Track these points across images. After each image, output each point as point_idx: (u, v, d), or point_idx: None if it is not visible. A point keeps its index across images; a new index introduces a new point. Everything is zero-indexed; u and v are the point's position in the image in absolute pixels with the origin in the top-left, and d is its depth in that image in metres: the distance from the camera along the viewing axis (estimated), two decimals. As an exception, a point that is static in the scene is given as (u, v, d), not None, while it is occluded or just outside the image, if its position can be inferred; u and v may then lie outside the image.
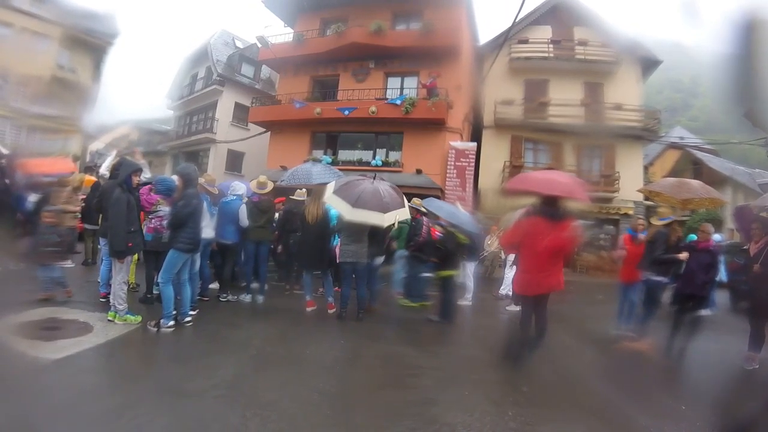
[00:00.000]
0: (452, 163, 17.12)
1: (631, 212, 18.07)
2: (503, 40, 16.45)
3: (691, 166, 26.93)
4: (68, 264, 8.89)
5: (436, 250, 7.30)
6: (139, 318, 5.53)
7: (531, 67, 19.73)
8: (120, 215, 5.30)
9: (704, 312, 6.22)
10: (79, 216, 8.22)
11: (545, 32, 19.96)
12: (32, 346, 4.38)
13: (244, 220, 7.13)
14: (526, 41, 19.86)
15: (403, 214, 6.82)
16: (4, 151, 8.32)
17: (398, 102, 17.00)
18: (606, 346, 6.46)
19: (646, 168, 24.27)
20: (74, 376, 3.86)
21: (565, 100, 18.39)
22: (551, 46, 19.64)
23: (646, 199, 14.12)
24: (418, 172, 17.03)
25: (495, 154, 19.37)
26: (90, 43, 28.11)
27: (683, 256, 6.04)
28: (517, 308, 5.79)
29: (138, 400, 3.50)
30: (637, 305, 6.70)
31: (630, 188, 17.24)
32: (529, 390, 4.39)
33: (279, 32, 21.25)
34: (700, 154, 27.23)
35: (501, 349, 5.17)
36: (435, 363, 5.21)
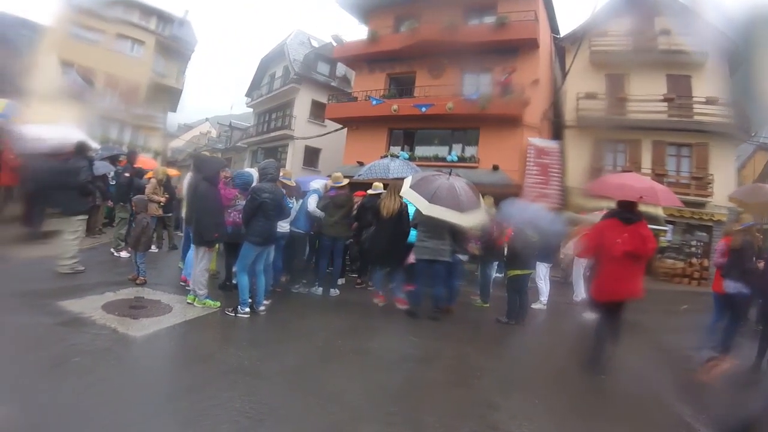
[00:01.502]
0: (532, 160, 16.57)
1: (724, 219, 16.76)
2: (583, 32, 15.72)
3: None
4: (153, 249, 9.57)
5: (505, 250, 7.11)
6: (218, 303, 5.80)
7: (612, 60, 18.47)
8: (209, 208, 5.64)
9: None
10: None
11: (625, 23, 18.58)
12: (121, 323, 4.70)
13: (312, 206, 7.25)
14: (606, 33, 18.75)
15: (480, 215, 6.65)
16: (95, 145, 9.02)
17: (474, 97, 16.71)
18: (685, 361, 5.94)
19: (739, 171, 22.38)
20: (154, 354, 4.14)
21: (647, 95, 17.34)
22: (631, 37, 18.34)
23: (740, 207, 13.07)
24: (495, 168, 16.66)
25: (579, 153, 18.49)
26: (175, 50, 30.01)
27: (761, 265, 5.52)
28: (593, 315, 5.48)
29: (211, 378, 3.67)
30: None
31: (723, 193, 16.08)
32: (597, 403, 4.15)
33: (353, 30, 21.59)
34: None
35: (571, 358, 4.93)
36: (501, 366, 5.10)
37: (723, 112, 16.91)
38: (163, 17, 29.92)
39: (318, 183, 7.63)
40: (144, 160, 11.62)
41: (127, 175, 9.08)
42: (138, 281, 6.45)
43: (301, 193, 7.56)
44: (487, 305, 7.93)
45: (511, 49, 17.02)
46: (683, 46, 17.12)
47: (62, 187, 6.95)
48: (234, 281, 6.64)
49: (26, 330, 4.20)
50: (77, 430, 2.73)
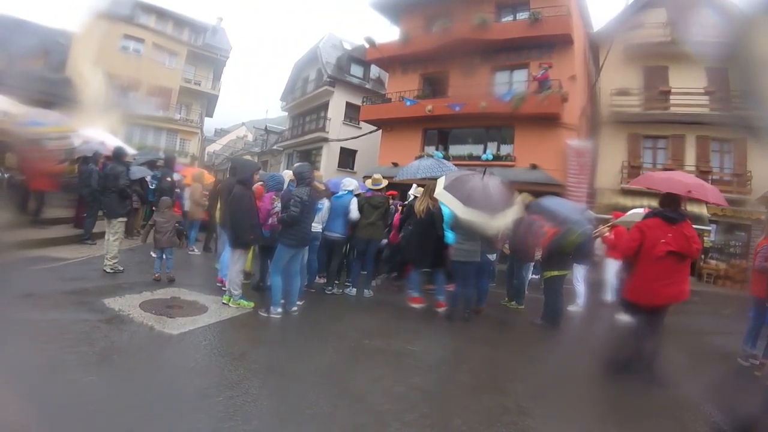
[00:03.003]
0: (573, 159, 16.26)
1: (763, 218, 16.07)
2: (617, 25, 15.27)
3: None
4: (196, 252, 9.79)
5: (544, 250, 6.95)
6: (252, 304, 5.91)
7: (648, 53, 17.96)
8: (244, 210, 5.74)
9: None
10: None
11: (660, 15, 18.06)
12: (158, 321, 4.86)
13: (355, 212, 7.22)
14: (641, 26, 18.18)
15: (512, 214, 6.52)
16: (132, 151, 9.38)
17: (507, 98, 16.47)
18: (729, 368, 5.69)
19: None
20: (189, 352, 4.20)
21: (687, 89, 16.75)
22: (667, 29, 17.73)
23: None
24: (533, 167, 16.38)
25: (611, 152, 18.06)
26: (209, 58, 30.90)
27: None
28: (628, 318, 5.30)
29: (243, 376, 3.73)
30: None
31: (762, 190, 15.46)
32: (635, 411, 3.98)
33: (385, 31, 21.64)
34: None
35: (607, 363, 4.79)
36: (534, 370, 5.00)
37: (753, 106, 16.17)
38: (196, 27, 30.70)
39: (352, 184, 7.58)
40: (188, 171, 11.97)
41: (168, 179, 9.35)
42: (155, 277, 6.74)
43: (330, 194, 7.57)
44: (522, 307, 7.82)
45: (546, 45, 16.74)
46: (718, 38, 16.48)
47: (104, 190, 7.24)
48: (268, 282, 6.76)
49: (74, 326, 4.37)
50: (119, 423, 2.80)
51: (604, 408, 4.11)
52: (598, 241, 7.77)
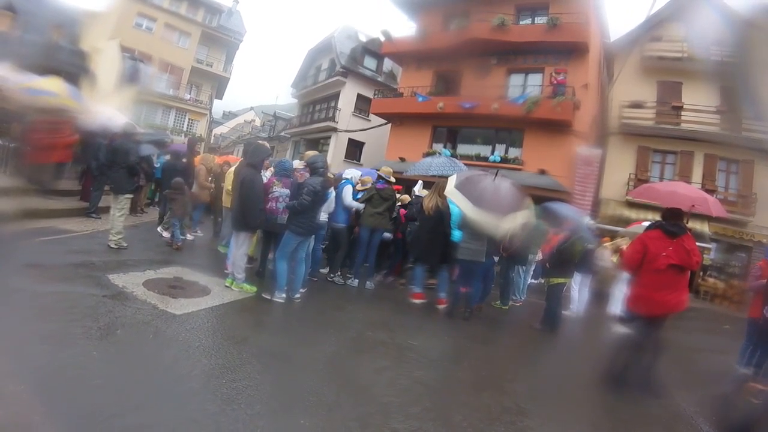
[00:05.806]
0: (581, 167, 16.25)
1: (765, 240, 16.07)
2: (636, 37, 15.17)
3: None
4: (198, 233, 9.74)
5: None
6: (255, 288, 5.91)
7: (664, 67, 17.91)
8: (255, 194, 5.74)
9: None
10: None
11: (678, 30, 17.81)
12: (161, 300, 4.85)
13: (348, 199, 7.24)
14: (659, 39, 18.09)
15: (523, 216, 6.50)
16: (141, 129, 9.35)
17: (520, 102, 16.42)
18: (722, 385, 5.66)
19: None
20: (192, 332, 4.20)
21: (699, 106, 16.71)
22: (684, 44, 17.56)
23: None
24: (542, 172, 16.36)
25: (619, 163, 18.04)
26: (222, 40, 30.82)
27: None
28: (625, 329, 5.32)
29: (246, 360, 3.75)
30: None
31: (766, 213, 15.50)
32: (629, 418, 4.01)
33: (402, 26, 21.58)
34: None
35: (604, 370, 4.79)
36: (533, 372, 5.06)
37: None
38: (212, 8, 30.59)
39: (350, 173, 7.60)
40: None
41: (184, 161, 9.32)
42: (176, 246, 7.69)
43: (337, 184, 7.58)
44: (506, 307, 7.94)
45: (562, 51, 16.68)
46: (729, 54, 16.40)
47: (113, 165, 7.24)
48: (268, 266, 6.78)
49: (79, 300, 4.38)
50: (127, 400, 2.81)
51: (600, 414, 4.15)
52: (609, 254, 7.75)
